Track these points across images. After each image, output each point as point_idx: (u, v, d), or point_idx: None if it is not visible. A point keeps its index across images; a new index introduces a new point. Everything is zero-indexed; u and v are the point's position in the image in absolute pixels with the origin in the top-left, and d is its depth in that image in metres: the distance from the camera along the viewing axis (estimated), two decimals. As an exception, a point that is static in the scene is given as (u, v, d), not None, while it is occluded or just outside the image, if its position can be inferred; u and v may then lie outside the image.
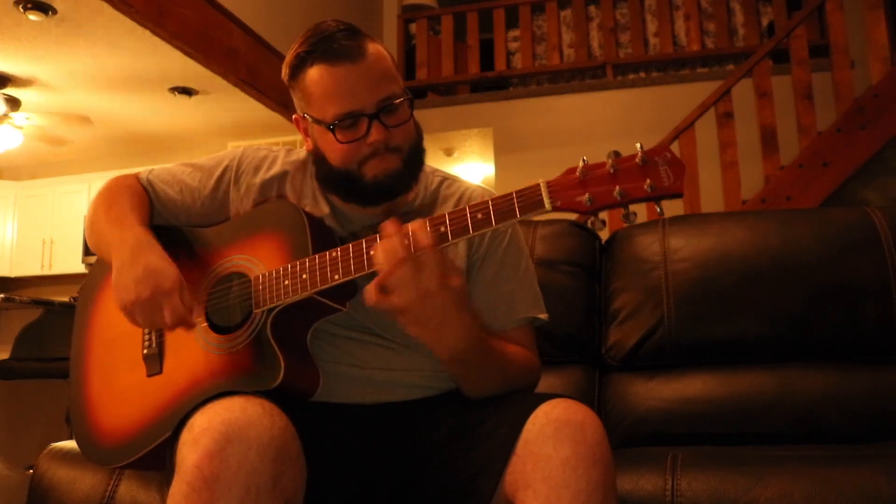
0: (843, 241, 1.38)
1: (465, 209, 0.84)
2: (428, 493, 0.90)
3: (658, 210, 0.81)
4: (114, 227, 1.02)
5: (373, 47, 0.97)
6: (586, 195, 0.79)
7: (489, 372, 0.96)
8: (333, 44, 0.95)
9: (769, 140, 3.57)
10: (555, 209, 0.80)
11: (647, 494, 1.03)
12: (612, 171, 0.79)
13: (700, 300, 1.39)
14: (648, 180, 0.78)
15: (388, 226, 0.83)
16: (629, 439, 1.35)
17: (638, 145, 0.80)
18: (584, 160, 0.81)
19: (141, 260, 0.94)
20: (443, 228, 0.84)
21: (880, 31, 3.50)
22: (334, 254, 0.91)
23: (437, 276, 0.81)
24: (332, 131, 0.96)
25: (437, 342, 0.88)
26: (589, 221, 0.82)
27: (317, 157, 1.03)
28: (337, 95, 0.95)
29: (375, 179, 0.98)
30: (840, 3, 3.56)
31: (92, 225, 1.09)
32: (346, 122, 0.95)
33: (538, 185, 0.81)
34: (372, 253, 0.84)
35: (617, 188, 0.79)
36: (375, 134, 0.95)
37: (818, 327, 1.33)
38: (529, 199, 0.81)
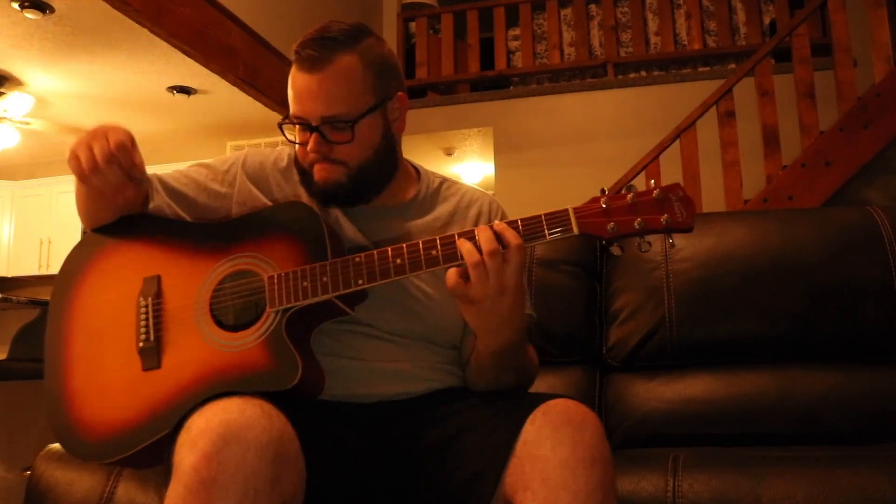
0: (845, 240, 1.37)
1: (492, 226, 0.89)
2: (427, 495, 0.89)
3: (670, 241, 0.90)
4: None
5: (343, 61, 0.98)
6: (611, 223, 0.87)
7: (515, 367, 1.00)
8: (303, 50, 0.99)
9: (771, 139, 3.56)
10: (581, 234, 0.88)
11: (648, 495, 1.03)
12: (632, 203, 0.88)
13: (701, 300, 1.38)
14: (666, 215, 0.87)
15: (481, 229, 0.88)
16: (630, 440, 1.34)
17: (651, 182, 0.90)
18: (603, 190, 0.89)
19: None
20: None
21: (883, 30, 3.49)
22: (358, 259, 0.93)
23: (517, 276, 0.87)
24: (281, 126, 1.04)
25: (493, 334, 0.92)
26: (610, 248, 0.90)
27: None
28: (292, 99, 1.01)
29: (320, 185, 1.03)
30: (842, 2, 3.55)
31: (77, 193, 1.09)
32: (295, 124, 1.02)
33: (567, 210, 0.89)
34: (458, 242, 0.89)
35: (638, 219, 0.87)
36: (313, 143, 1.00)
37: (820, 327, 1.33)
38: (558, 222, 0.89)
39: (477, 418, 0.91)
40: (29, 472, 1.22)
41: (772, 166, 3.54)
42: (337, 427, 0.94)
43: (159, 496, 1.06)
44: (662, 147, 3.61)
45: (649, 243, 0.89)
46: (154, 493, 1.08)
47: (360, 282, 0.92)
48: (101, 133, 0.95)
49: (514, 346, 0.94)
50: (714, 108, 3.63)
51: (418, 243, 0.91)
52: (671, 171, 3.59)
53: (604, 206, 0.88)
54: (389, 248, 0.92)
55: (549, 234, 0.88)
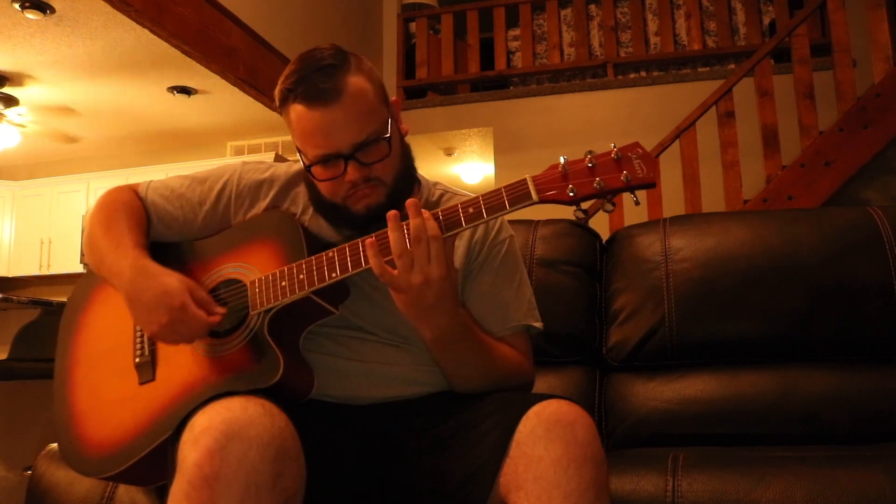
0: (844, 240, 1.37)
1: (457, 205, 0.89)
2: (423, 496, 0.90)
3: (634, 200, 0.89)
4: (112, 252, 1.03)
5: (353, 84, 0.96)
6: (569, 186, 0.87)
7: (473, 361, 0.99)
8: (311, 86, 0.95)
9: (771, 139, 3.56)
10: (541, 200, 0.87)
11: (648, 495, 1.03)
12: (590, 165, 0.87)
13: (701, 300, 1.38)
14: (624, 172, 0.86)
15: (410, 206, 0.87)
16: (630, 440, 1.34)
17: (612, 144, 0.89)
18: (563, 158, 0.89)
19: (146, 288, 0.96)
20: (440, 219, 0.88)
21: (882, 30, 3.49)
22: (330, 254, 0.94)
23: (442, 266, 0.86)
24: (310, 170, 0.99)
25: (424, 320, 0.92)
26: (573, 212, 0.89)
27: (308, 181, 1.05)
28: (313, 138, 0.96)
29: (363, 211, 1.00)
30: (842, 2, 3.55)
31: (90, 245, 1.09)
32: (322, 163, 0.97)
33: (525, 179, 0.88)
34: (388, 230, 0.88)
35: (597, 179, 0.86)
36: (352, 173, 0.97)
37: (820, 327, 1.33)
38: (517, 192, 0.87)
39: (472, 420, 0.92)
40: (30, 472, 1.22)
41: (771, 166, 3.54)
42: (336, 427, 0.95)
43: (160, 497, 1.06)
44: (662, 147, 3.61)
45: (613, 204, 0.88)
46: (155, 494, 1.08)
47: (334, 274, 0.92)
48: (177, 323, 0.95)
49: (452, 334, 0.94)
50: (714, 108, 3.63)
51: (386, 231, 0.91)
52: (671, 172, 3.60)
53: (562, 171, 0.87)
54: (360, 240, 0.93)
55: (510, 205, 0.87)
